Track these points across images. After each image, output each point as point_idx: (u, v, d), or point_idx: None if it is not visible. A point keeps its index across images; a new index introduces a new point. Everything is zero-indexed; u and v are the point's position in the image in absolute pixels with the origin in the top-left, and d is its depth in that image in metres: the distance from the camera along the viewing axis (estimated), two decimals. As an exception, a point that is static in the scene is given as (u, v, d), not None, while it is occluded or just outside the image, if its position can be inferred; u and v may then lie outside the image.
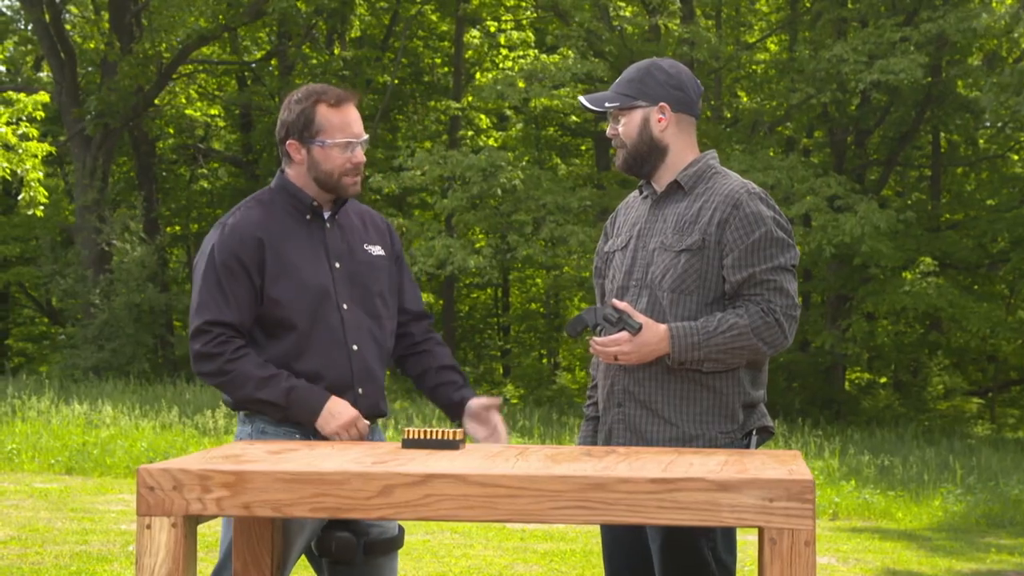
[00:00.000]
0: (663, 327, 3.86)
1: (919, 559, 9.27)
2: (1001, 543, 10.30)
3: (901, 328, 26.15)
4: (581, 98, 4.14)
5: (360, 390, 4.01)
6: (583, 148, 30.40)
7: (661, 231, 4.01)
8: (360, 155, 4.04)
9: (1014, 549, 9.95)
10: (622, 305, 3.89)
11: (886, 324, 25.59)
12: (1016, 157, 27.67)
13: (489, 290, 31.94)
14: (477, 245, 22.77)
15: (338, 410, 3.90)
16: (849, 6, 23.28)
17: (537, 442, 15.57)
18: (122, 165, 30.68)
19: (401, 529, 4.07)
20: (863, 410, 24.15)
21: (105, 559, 7.74)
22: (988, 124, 25.84)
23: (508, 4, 29.03)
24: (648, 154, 4.05)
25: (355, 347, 4.01)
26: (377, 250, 4.15)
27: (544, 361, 30.88)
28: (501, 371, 30.72)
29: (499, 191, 21.06)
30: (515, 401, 25.20)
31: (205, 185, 31.65)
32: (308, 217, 4.06)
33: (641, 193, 4.18)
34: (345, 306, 4.01)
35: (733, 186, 3.99)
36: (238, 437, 4.04)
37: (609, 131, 4.12)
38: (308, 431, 3.94)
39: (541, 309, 31.87)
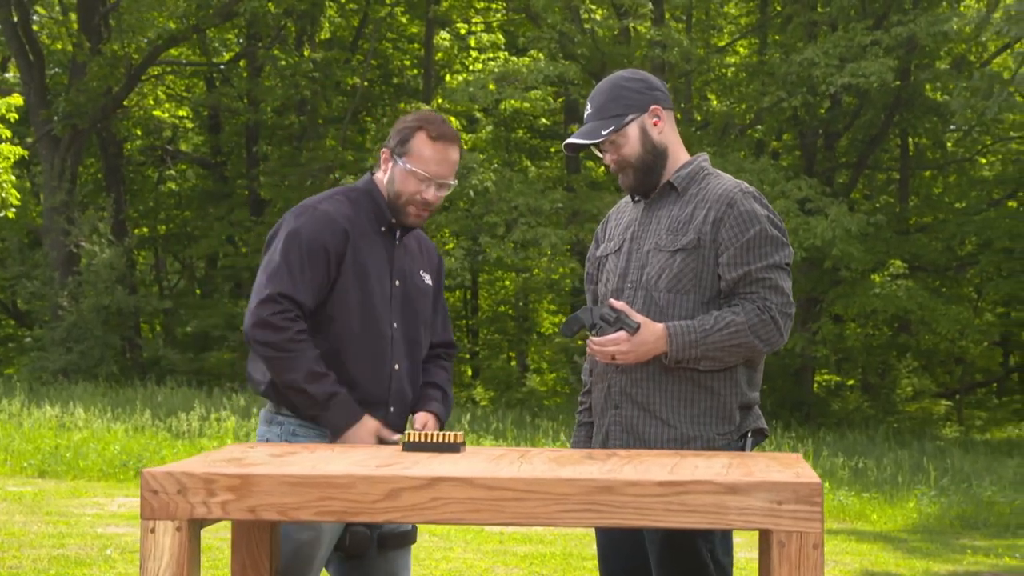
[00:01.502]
0: (660, 326, 3.85)
1: (896, 560, 9.31)
2: (976, 544, 10.36)
3: (870, 331, 26.27)
4: (570, 140, 4.05)
5: (392, 408, 4.06)
6: (552, 151, 30.41)
7: (655, 233, 4.00)
8: (432, 194, 4.06)
9: (989, 550, 10.00)
10: (619, 305, 3.87)
11: (855, 327, 25.71)
12: (984, 161, 27.87)
13: (458, 292, 31.87)
14: (448, 247, 22.72)
15: (360, 438, 3.91)
16: (819, 10, 23.36)
17: (512, 445, 15.55)
18: (90, 167, 30.50)
19: (413, 524, 4.07)
20: (832, 412, 24.24)
21: (84, 563, 7.68)
22: (955, 128, 26.01)
23: (478, 6, 29.01)
24: (655, 162, 4.03)
25: (397, 366, 4.06)
26: (428, 279, 4.23)
27: (513, 364, 30.85)
28: (470, 373, 30.68)
29: (471, 193, 21.04)
30: (485, 404, 25.16)
31: (173, 187, 31.52)
32: (383, 229, 4.10)
33: (633, 198, 4.16)
34: (395, 324, 4.07)
35: (727, 186, 3.99)
36: (261, 438, 4.03)
37: (606, 160, 4.06)
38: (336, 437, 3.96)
39: (511, 312, 31.85)
